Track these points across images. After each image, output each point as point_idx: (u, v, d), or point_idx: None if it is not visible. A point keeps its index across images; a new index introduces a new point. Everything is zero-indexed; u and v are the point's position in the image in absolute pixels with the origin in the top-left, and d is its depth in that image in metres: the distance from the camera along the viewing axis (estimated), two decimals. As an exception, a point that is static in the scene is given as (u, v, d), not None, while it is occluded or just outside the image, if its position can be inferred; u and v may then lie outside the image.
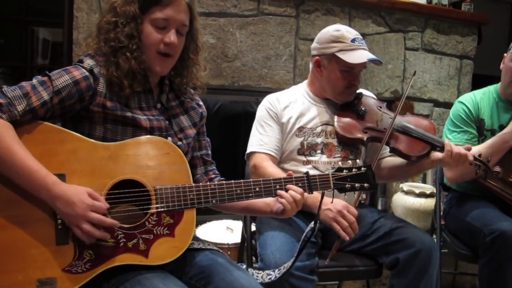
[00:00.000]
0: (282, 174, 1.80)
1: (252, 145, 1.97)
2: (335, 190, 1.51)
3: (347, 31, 1.93)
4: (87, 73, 1.34)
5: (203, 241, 1.56)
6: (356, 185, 1.50)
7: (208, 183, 1.50)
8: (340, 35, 1.91)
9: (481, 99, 2.24)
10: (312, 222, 1.52)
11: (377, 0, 3.24)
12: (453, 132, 2.23)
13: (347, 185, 1.49)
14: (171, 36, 1.39)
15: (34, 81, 1.30)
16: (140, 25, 1.39)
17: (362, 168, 1.51)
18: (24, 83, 1.28)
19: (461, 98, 2.29)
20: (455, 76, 3.62)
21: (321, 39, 1.97)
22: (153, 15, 1.38)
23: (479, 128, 2.21)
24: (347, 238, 1.70)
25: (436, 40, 3.51)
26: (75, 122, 1.38)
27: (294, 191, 1.43)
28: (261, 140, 1.96)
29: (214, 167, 1.67)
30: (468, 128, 2.20)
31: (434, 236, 2.40)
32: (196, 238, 1.54)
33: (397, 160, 1.98)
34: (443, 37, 3.53)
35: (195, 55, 1.54)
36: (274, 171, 1.85)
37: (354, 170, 1.50)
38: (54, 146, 1.28)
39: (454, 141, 2.18)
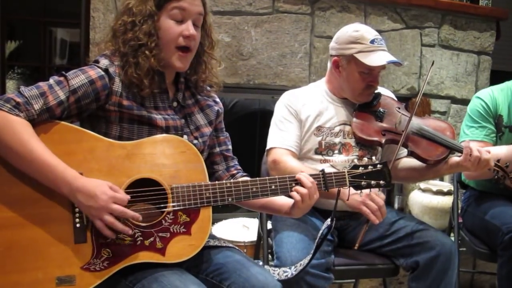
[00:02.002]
0: (304, 168, 1.81)
1: (272, 141, 1.96)
2: (351, 188, 1.51)
3: (366, 31, 1.90)
4: (102, 73, 1.36)
5: (219, 239, 1.57)
6: (372, 182, 1.49)
7: (230, 179, 1.51)
8: (359, 35, 1.88)
9: (499, 95, 2.20)
10: (329, 220, 1.51)
11: (393, -4, 3.22)
12: (471, 128, 2.20)
13: (362, 183, 1.49)
14: (190, 29, 1.40)
15: (51, 81, 1.32)
16: (157, 22, 1.40)
17: (378, 165, 1.50)
18: (41, 83, 1.30)
19: (478, 94, 2.26)
20: (473, 72, 3.57)
21: (340, 39, 1.94)
22: (169, 8, 1.40)
23: (497, 124, 2.18)
24: (377, 221, 1.69)
25: (453, 36, 3.47)
26: (92, 122, 1.40)
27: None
28: (281, 136, 1.94)
29: (236, 163, 1.67)
30: (486, 123, 2.17)
31: (452, 234, 2.37)
32: (212, 236, 1.54)
33: (414, 162, 1.96)
34: (461, 33, 3.49)
35: (210, 49, 1.55)
36: (295, 165, 1.83)
37: (370, 167, 1.50)
38: (71, 145, 1.30)
39: (472, 137, 2.16)
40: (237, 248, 1.54)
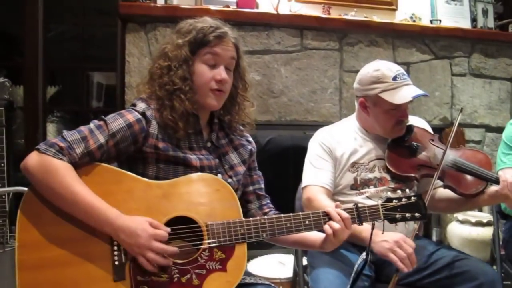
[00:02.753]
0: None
1: (307, 179, 1.96)
2: (386, 221, 1.49)
3: (387, 69, 1.89)
4: (139, 116, 1.42)
5: (255, 276, 1.57)
6: (407, 215, 1.47)
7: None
8: (380, 75, 1.88)
9: None
10: (364, 254, 1.50)
11: (420, 28, 3.23)
12: (508, 155, 2.16)
13: (397, 215, 1.47)
14: (222, 74, 1.46)
15: (91, 125, 1.38)
16: (191, 66, 1.47)
17: (412, 198, 1.48)
18: (82, 128, 1.37)
19: None
20: (507, 99, 3.52)
21: (362, 81, 1.94)
22: (203, 53, 1.46)
23: None
24: (405, 270, 1.61)
25: (484, 64, 3.45)
26: (130, 163, 1.45)
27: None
28: (316, 174, 1.94)
29: (268, 201, 1.69)
30: None
31: (495, 267, 2.30)
32: (248, 273, 1.55)
33: (451, 193, 1.92)
34: (492, 60, 3.46)
35: (244, 92, 1.60)
36: (329, 204, 1.82)
37: (404, 200, 1.48)
38: (111, 186, 1.35)
39: (509, 164, 2.12)
40: (273, 285, 1.54)
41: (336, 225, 1.40)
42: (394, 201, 1.48)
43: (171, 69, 1.46)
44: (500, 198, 1.82)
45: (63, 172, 1.28)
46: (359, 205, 1.47)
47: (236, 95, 1.58)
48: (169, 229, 1.31)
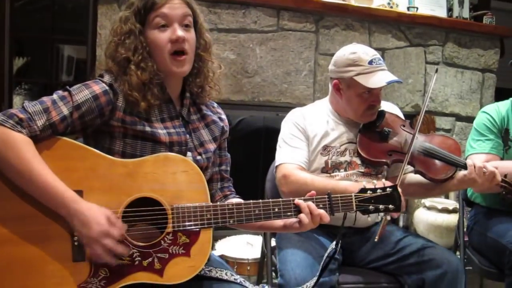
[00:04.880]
0: (316, 178, 1.79)
1: (281, 157, 1.93)
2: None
3: (363, 53, 1.89)
4: (106, 88, 1.35)
5: (222, 269, 1.50)
6: (380, 206, 1.45)
7: (223, 200, 1.51)
8: (356, 58, 1.88)
9: (505, 109, 2.21)
10: (334, 243, 1.50)
11: (397, 15, 3.23)
12: (478, 141, 2.19)
13: (370, 207, 1.45)
14: (176, 32, 1.38)
15: (55, 96, 1.31)
16: (143, 35, 1.39)
17: (388, 189, 1.46)
18: (45, 98, 1.29)
19: (484, 109, 2.27)
20: (478, 90, 3.57)
21: (338, 62, 1.94)
22: (151, 19, 1.39)
23: (504, 138, 2.17)
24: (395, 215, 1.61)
25: (457, 53, 3.48)
26: (96, 137, 1.39)
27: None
28: (291, 152, 1.92)
29: (231, 184, 1.65)
30: (493, 136, 2.16)
31: (458, 253, 2.35)
32: (218, 264, 1.51)
33: (421, 177, 1.94)
34: (465, 50, 3.50)
35: (205, 51, 1.51)
36: (307, 176, 1.82)
37: (378, 191, 1.45)
38: (73, 162, 1.28)
39: (478, 150, 2.16)
40: (239, 282, 1.47)
41: (304, 218, 1.39)
42: (368, 192, 1.45)
43: (119, 43, 1.39)
44: (468, 182, 1.84)
45: (21, 147, 1.20)
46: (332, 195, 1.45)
47: (198, 57, 1.49)
48: (125, 227, 1.26)
